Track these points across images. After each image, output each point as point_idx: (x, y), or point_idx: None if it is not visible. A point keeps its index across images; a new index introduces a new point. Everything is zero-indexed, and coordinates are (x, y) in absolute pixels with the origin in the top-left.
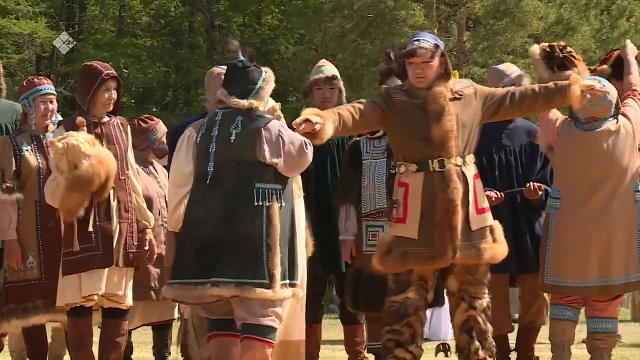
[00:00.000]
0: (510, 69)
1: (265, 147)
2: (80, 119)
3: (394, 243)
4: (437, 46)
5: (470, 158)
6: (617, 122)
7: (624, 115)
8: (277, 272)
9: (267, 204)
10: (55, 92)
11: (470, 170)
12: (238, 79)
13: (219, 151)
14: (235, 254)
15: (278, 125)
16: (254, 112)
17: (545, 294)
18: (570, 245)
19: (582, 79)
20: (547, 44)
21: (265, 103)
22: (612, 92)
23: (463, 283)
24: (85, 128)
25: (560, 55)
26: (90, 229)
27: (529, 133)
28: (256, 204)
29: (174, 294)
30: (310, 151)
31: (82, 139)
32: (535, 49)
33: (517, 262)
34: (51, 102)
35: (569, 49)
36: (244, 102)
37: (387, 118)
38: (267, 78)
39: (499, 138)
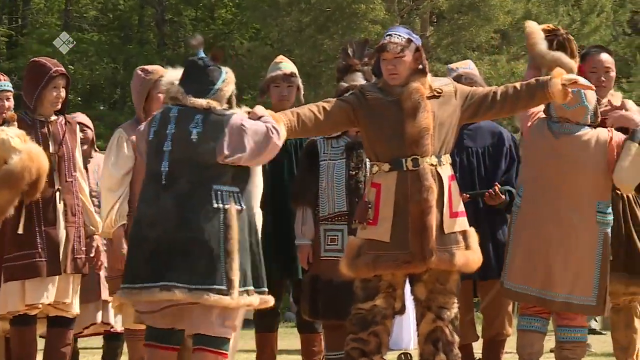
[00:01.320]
0: (459, 65)
1: (226, 144)
2: (10, 114)
3: (364, 246)
4: (409, 41)
5: (447, 158)
6: (593, 131)
7: (609, 132)
8: (236, 279)
9: (225, 207)
10: (11, 89)
11: (446, 170)
12: (196, 77)
13: (174, 150)
14: (190, 258)
15: (240, 118)
16: (214, 111)
17: (510, 308)
18: (524, 249)
19: (564, 72)
20: (550, 25)
21: (223, 105)
22: (591, 99)
23: (432, 292)
24: (15, 123)
25: (564, 36)
26: (35, 233)
27: (493, 134)
28: (214, 206)
29: (121, 299)
30: (277, 136)
31: (12, 133)
32: (534, 23)
33: (479, 270)
34: (7, 99)
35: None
36: (202, 102)
37: (358, 116)
38: (227, 79)
39: (461, 139)
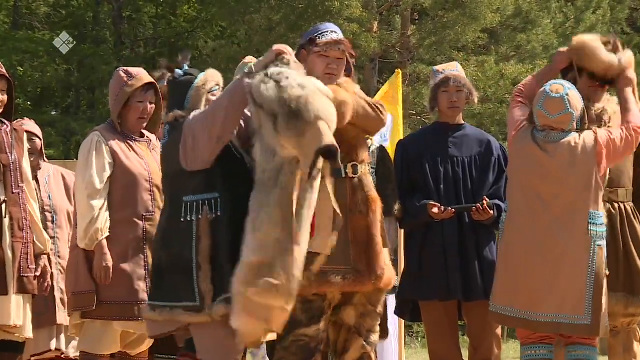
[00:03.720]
0: (445, 67)
1: (182, 148)
2: None
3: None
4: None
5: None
6: (578, 137)
7: (594, 133)
8: (209, 292)
9: (195, 218)
10: None
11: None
12: (172, 93)
13: (162, 168)
14: (171, 276)
15: (192, 115)
16: (180, 119)
17: (499, 330)
18: (504, 267)
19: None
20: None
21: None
22: (576, 105)
23: (363, 315)
24: None
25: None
26: None
27: (480, 143)
28: (184, 219)
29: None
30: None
31: None
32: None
33: (463, 290)
34: None
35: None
36: (170, 115)
37: None
38: (198, 84)
39: (445, 147)
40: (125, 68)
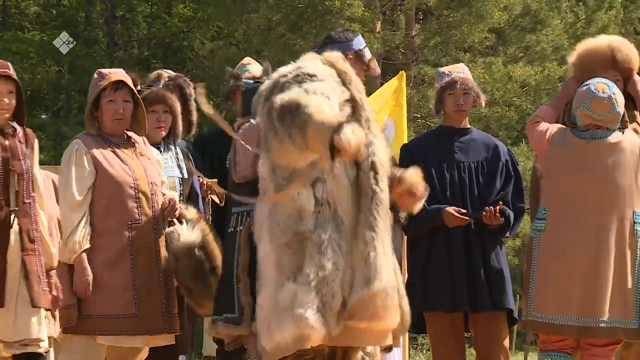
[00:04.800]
0: (451, 69)
1: (233, 160)
2: None
3: None
4: None
5: None
6: (622, 134)
7: (635, 131)
8: (248, 304)
9: (239, 229)
10: None
11: None
12: (242, 101)
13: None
14: (220, 288)
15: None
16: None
17: (506, 342)
18: (553, 275)
19: None
20: None
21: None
22: (621, 101)
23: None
24: None
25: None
26: None
27: (488, 148)
28: (230, 230)
29: None
30: None
31: None
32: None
33: (470, 300)
34: None
35: None
36: (238, 122)
37: None
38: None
39: (452, 153)
40: (101, 70)
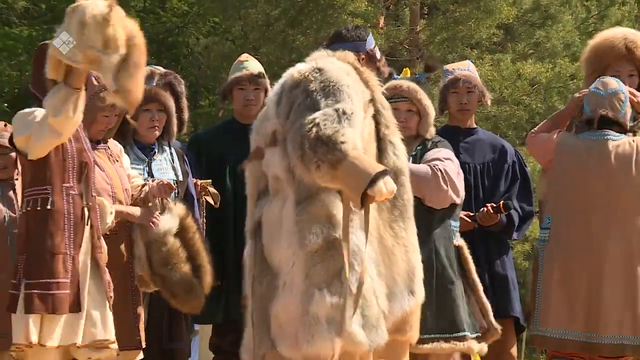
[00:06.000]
0: (456, 67)
1: None
2: None
3: None
4: None
5: None
6: (632, 137)
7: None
8: None
9: None
10: None
11: None
12: None
13: None
14: None
15: None
16: None
17: (514, 351)
18: (556, 288)
19: None
20: None
21: None
22: (628, 104)
23: None
24: None
25: None
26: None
27: (494, 149)
28: None
29: None
30: None
31: None
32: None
33: None
34: None
35: None
36: None
37: None
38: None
39: (456, 153)
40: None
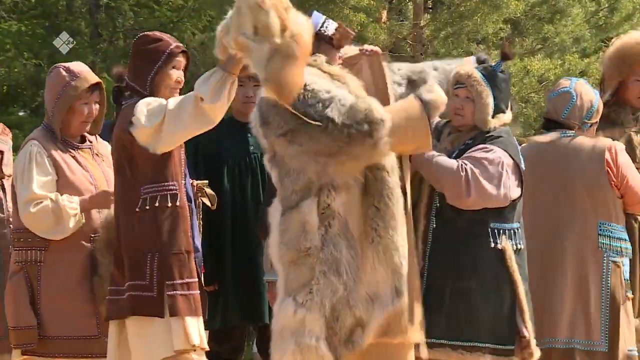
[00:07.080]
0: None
1: None
2: None
3: None
4: None
5: None
6: (587, 139)
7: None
8: None
9: None
10: None
11: None
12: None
13: None
14: None
15: None
16: None
17: None
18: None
19: None
20: None
21: None
22: (586, 100)
23: None
24: None
25: None
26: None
27: None
28: None
29: None
30: None
31: None
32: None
33: None
34: None
35: None
36: None
37: None
38: None
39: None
40: (66, 65)
